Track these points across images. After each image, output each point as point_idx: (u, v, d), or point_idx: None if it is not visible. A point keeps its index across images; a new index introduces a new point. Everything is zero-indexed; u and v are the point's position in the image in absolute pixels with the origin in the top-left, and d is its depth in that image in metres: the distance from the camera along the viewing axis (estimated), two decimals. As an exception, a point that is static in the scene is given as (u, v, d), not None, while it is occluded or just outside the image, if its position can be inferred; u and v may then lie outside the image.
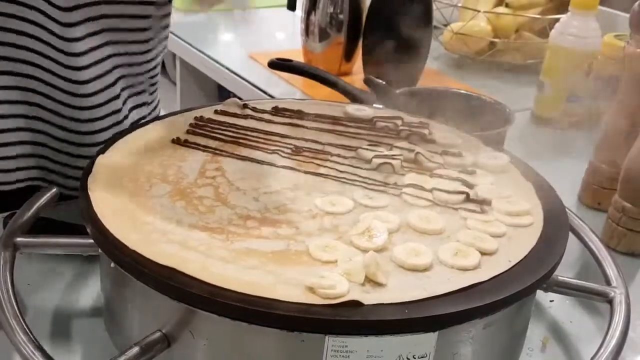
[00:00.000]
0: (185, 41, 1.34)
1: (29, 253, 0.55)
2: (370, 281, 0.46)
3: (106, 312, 0.55)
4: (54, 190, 0.61)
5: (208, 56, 1.27)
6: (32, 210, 0.58)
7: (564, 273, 0.57)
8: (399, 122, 0.69)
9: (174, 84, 1.52)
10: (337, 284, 0.45)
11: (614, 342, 0.51)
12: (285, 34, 1.38)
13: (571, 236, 0.64)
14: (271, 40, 1.36)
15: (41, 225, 0.60)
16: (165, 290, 0.45)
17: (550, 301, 0.64)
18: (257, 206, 0.54)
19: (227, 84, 1.23)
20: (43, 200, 0.59)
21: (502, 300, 0.46)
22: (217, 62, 1.25)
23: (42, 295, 0.60)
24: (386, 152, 0.63)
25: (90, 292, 0.60)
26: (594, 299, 0.58)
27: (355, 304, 0.44)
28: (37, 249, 0.55)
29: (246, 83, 1.16)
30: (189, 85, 1.45)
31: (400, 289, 0.46)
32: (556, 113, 1.06)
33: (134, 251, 0.47)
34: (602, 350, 0.51)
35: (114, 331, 0.54)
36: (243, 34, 1.42)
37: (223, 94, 1.45)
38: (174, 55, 1.43)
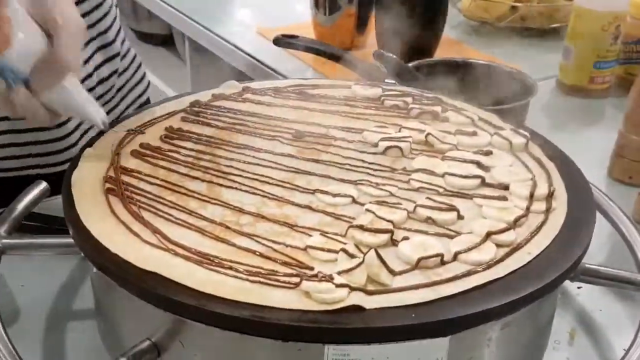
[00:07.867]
0: (190, 18, 1.29)
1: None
2: (374, 282, 0.42)
3: (97, 316, 0.52)
4: (44, 185, 0.57)
5: (215, 33, 1.22)
6: (19, 209, 0.55)
7: (593, 257, 0.52)
8: (409, 99, 0.64)
9: (185, 62, 1.48)
10: (335, 286, 0.41)
11: (648, 335, 0.47)
12: (295, 6, 1.32)
13: (600, 217, 0.60)
14: (280, 14, 1.30)
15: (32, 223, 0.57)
16: (148, 298, 0.41)
17: (578, 288, 0.60)
18: (253, 200, 0.50)
19: (236, 63, 1.18)
20: (31, 197, 0.56)
21: (521, 299, 0.42)
22: (224, 39, 1.20)
23: (36, 296, 0.58)
24: (394, 134, 0.58)
25: (86, 292, 0.57)
26: (624, 287, 0.54)
27: (356, 309, 0.40)
28: (23, 250, 0.52)
29: (254, 61, 1.11)
30: (199, 63, 1.40)
31: (406, 290, 0.42)
32: (583, 80, 0.99)
33: (117, 255, 0.43)
34: (636, 344, 0.47)
35: (105, 336, 0.51)
36: (251, 9, 1.37)
37: (236, 71, 1.40)
38: (182, 33, 1.39)
